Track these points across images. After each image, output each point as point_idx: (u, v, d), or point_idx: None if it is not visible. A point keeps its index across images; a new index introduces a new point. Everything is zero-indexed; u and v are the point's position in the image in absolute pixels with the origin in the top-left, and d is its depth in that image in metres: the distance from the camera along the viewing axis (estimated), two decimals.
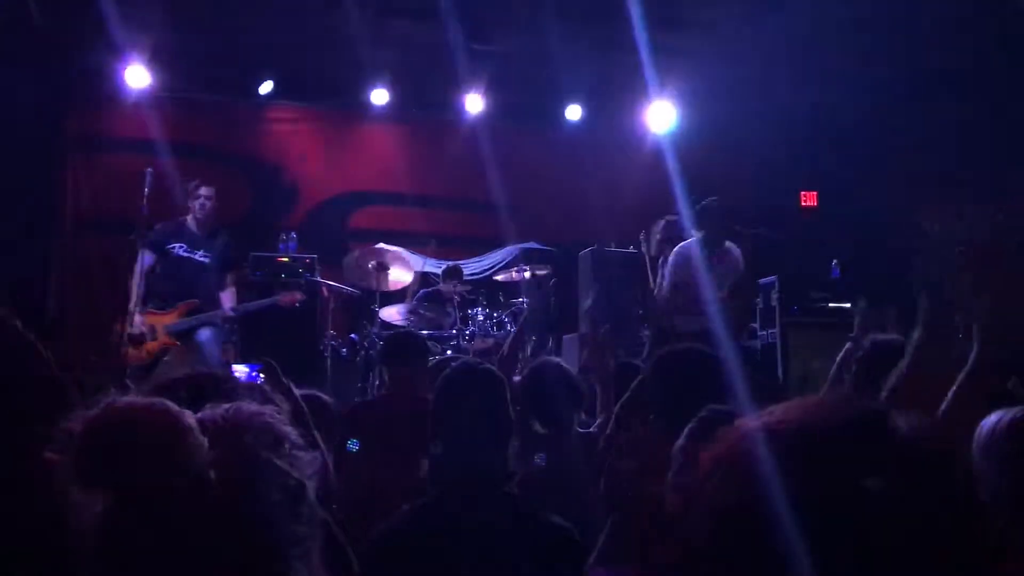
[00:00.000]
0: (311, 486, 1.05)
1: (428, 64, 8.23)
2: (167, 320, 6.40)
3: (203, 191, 6.65)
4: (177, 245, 6.56)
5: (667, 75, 7.86)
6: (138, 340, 6.21)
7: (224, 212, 8.17)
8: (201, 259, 6.58)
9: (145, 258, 6.32)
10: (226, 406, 1.05)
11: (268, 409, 1.07)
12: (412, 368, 4.03)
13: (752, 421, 0.95)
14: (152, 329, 6.33)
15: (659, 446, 2.07)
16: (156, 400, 1.03)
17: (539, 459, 3.16)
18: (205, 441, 0.99)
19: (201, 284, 6.54)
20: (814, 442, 0.89)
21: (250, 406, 1.06)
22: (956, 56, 7.45)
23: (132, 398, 1.02)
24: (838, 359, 3.40)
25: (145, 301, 6.31)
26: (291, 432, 1.06)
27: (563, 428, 3.41)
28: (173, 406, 1.01)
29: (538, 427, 3.42)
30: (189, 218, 6.67)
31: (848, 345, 3.33)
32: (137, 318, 6.17)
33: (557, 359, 4.19)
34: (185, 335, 6.40)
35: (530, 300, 7.19)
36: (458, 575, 2.07)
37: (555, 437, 3.34)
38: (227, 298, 6.65)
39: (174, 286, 6.50)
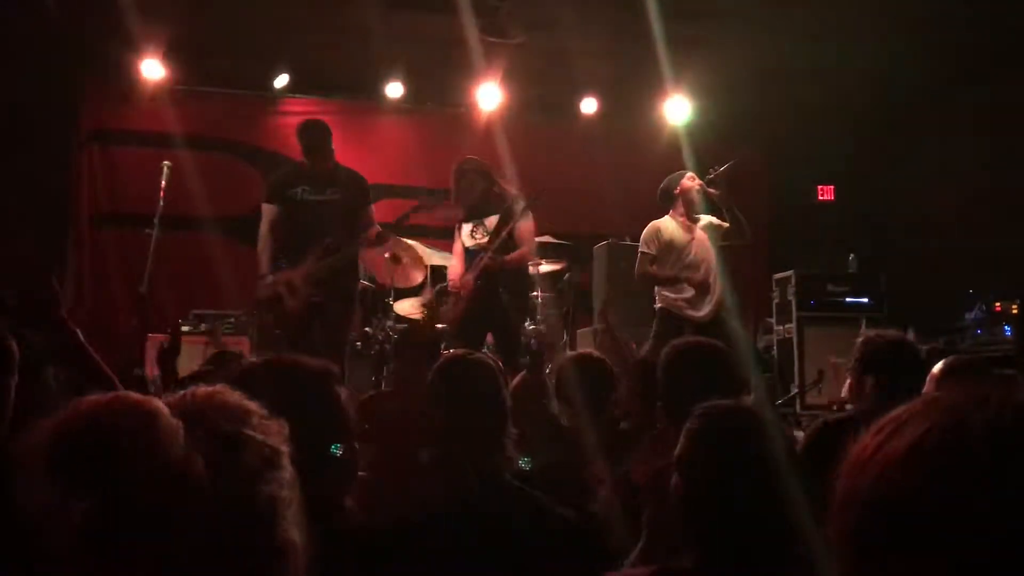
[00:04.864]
0: (285, 451, 1.05)
1: (443, 57, 8.20)
2: (305, 270, 5.61)
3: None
4: (299, 189, 5.77)
5: (683, 67, 7.81)
6: (274, 302, 5.57)
7: (239, 205, 8.24)
8: (331, 197, 5.76)
9: (267, 213, 5.79)
10: (181, 392, 1.04)
11: (220, 387, 1.07)
12: (418, 367, 4.07)
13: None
14: (291, 287, 5.58)
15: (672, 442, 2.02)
16: (121, 394, 1.02)
17: (523, 463, 3.11)
18: (180, 424, 0.97)
19: (335, 225, 5.71)
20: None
21: (203, 388, 1.06)
22: (976, 49, 7.37)
23: (96, 396, 1.00)
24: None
25: (276, 260, 5.70)
26: (252, 404, 1.06)
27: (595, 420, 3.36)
28: (139, 396, 1.00)
29: (565, 419, 3.39)
30: (306, 159, 5.89)
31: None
32: (268, 279, 5.63)
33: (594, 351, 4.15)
34: (332, 284, 5.67)
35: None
36: (461, 562, 2.06)
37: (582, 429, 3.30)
38: (375, 231, 5.92)
39: (304, 235, 5.67)
